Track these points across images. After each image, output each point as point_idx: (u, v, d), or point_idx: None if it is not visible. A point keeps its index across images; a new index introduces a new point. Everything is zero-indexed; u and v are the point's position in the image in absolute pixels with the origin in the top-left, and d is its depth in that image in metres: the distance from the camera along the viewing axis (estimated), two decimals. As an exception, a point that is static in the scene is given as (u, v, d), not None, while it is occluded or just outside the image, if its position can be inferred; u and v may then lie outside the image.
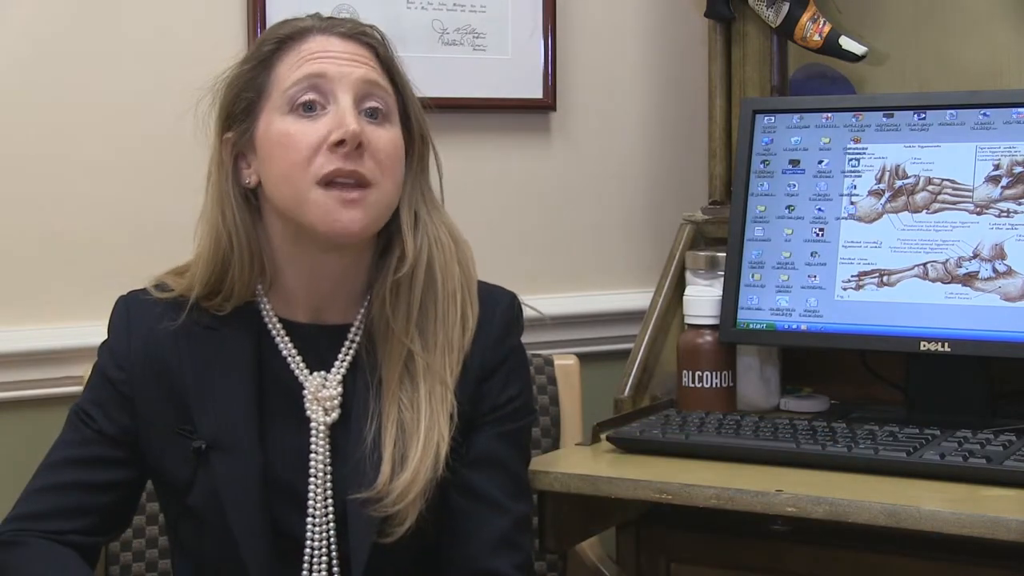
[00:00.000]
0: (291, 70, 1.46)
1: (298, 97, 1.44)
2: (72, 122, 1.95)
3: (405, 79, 1.52)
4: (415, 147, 1.52)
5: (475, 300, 1.52)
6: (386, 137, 1.46)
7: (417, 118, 1.53)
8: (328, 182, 1.42)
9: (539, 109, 2.32)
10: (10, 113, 1.92)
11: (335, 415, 1.49)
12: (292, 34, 1.48)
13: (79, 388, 1.54)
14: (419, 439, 1.44)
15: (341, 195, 1.42)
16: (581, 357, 2.14)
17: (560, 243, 2.37)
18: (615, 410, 1.96)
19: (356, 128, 1.42)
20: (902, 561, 1.75)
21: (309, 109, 1.44)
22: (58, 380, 1.91)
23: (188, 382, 1.48)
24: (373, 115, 1.46)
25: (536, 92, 2.30)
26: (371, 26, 1.53)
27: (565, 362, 2.10)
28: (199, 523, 1.48)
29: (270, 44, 1.48)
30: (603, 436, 1.79)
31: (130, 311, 1.52)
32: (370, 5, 2.14)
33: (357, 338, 1.51)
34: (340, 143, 1.42)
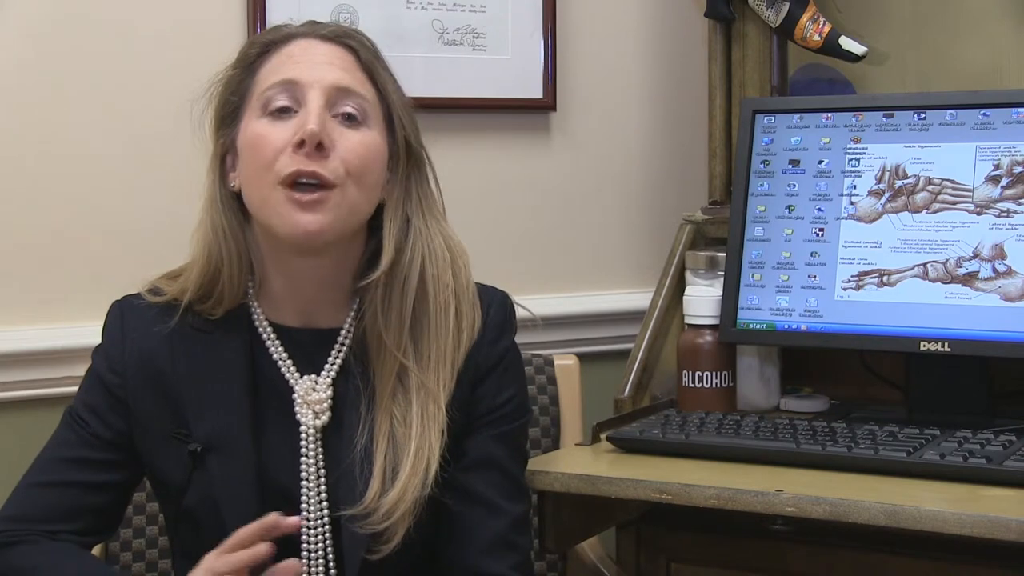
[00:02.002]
0: (270, 74, 1.47)
1: (272, 101, 1.45)
2: (71, 122, 1.95)
3: (389, 83, 1.51)
4: (400, 152, 1.51)
5: (471, 310, 1.52)
6: (356, 139, 1.45)
7: (403, 123, 1.51)
8: (290, 183, 1.42)
9: (539, 109, 2.32)
10: (9, 114, 1.92)
11: (325, 418, 1.49)
12: (277, 39, 1.49)
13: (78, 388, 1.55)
14: (409, 456, 1.44)
15: (298, 196, 1.42)
16: (581, 357, 2.14)
17: (560, 243, 2.37)
18: (615, 410, 1.96)
19: (315, 128, 1.41)
20: (902, 561, 1.75)
21: (283, 112, 1.45)
22: (58, 380, 1.91)
23: (182, 386, 1.48)
24: (348, 119, 1.46)
25: (536, 92, 2.30)
26: (356, 31, 1.53)
27: (565, 362, 2.10)
28: (197, 525, 1.48)
29: (256, 48, 1.50)
30: (603, 436, 1.79)
31: (124, 315, 1.52)
32: (370, 5, 2.14)
33: (347, 342, 1.51)
34: (301, 144, 1.42)
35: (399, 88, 1.53)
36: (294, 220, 1.42)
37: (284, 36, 1.50)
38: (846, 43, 2.08)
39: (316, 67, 1.46)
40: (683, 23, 2.43)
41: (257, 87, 1.47)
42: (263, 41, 1.50)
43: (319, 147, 1.42)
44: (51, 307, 1.95)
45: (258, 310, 1.52)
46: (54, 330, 1.94)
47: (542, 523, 1.73)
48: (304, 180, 1.42)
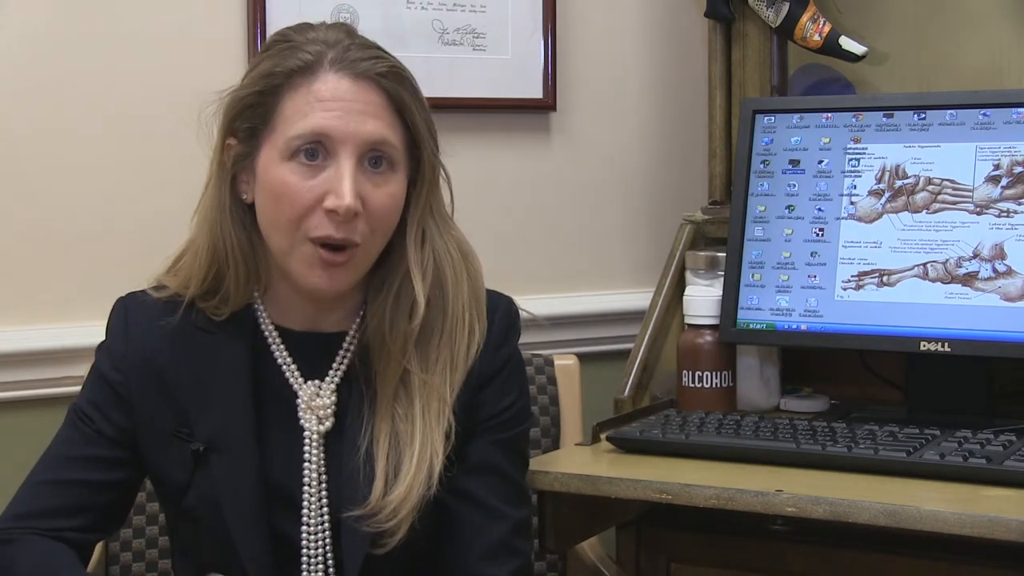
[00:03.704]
0: (297, 115, 1.42)
1: (300, 149, 1.41)
2: (71, 122, 1.95)
3: (418, 115, 1.47)
4: (424, 176, 1.49)
5: (483, 316, 1.51)
6: (384, 194, 1.44)
7: (428, 150, 1.48)
8: (316, 240, 1.42)
9: (539, 109, 2.32)
10: (9, 113, 1.92)
11: (328, 424, 1.49)
12: (301, 68, 1.43)
13: (79, 388, 1.55)
14: (413, 454, 1.44)
15: (326, 256, 1.42)
16: (581, 357, 2.14)
17: (560, 243, 2.37)
18: (615, 410, 1.96)
19: (351, 203, 1.39)
20: (902, 561, 1.75)
21: (311, 156, 1.41)
22: (58, 380, 1.91)
23: (185, 385, 1.48)
24: (377, 164, 1.43)
25: (536, 92, 2.30)
26: (386, 65, 1.45)
27: (565, 362, 2.10)
28: (197, 525, 1.48)
29: (279, 78, 1.43)
30: (603, 436, 1.79)
31: (128, 313, 1.52)
32: (370, 5, 2.14)
33: (352, 347, 1.51)
34: (334, 211, 1.40)
35: (425, 110, 1.48)
36: (316, 278, 1.43)
37: (309, 65, 1.43)
38: (846, 43, 2.08)
39: (349, 119, 1.41)
40: (683, 23, 2.43)
41: (282, 123, 1.42)
42: (285, 70, 1.43)
43: (352, 216, 1.41)
44: (51, 307, 1.95)
45: (264, 313, 1.51)
46: (54, 330, 1.94)
47: (542, 523, 1.73)
48: (333, 243, 1.42)
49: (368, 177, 1.43)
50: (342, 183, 1.40)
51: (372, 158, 1.43)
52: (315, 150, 1.41)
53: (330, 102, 1.42)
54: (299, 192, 1.41)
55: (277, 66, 1.44)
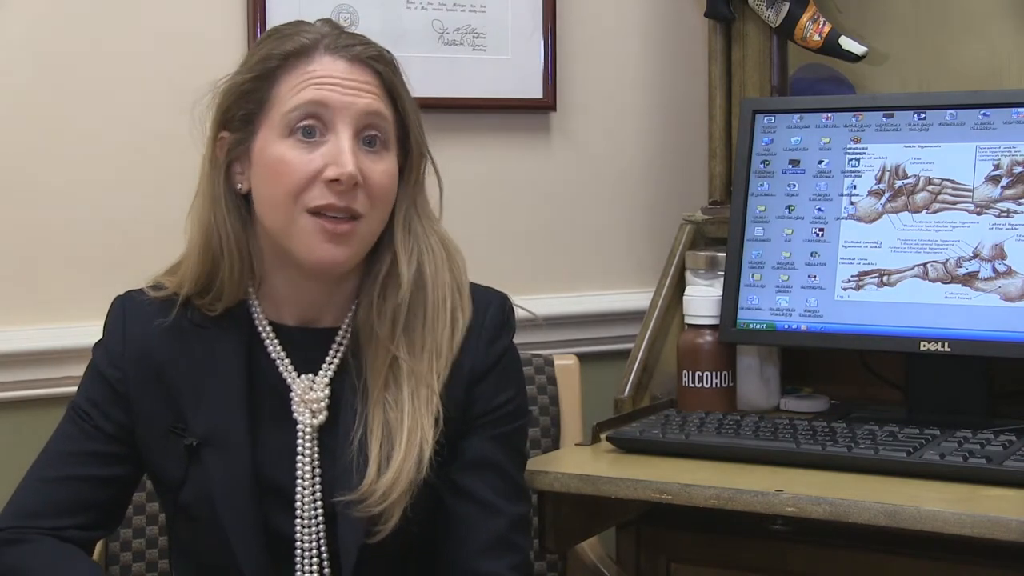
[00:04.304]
0: (293, 92, 1.44)
1: (298, 122, 1.44)
2: (71, 122, 1.95)
3: (407, 100, 1.51)
4: (412, 164, 1.52)
5: (466, 305, 1.52)
6: (381, 169, 1.46)
7: (416, 137, 1.51)
8: (317, 212, 1.43)
9: (539, 109, 2.32)
10: (9, 113, 1.92)
11: (322, 417, 1.50)
12: (297, 50, 1.46)
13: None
14: (402, 439, 1.45)
15: (329, 227, 1.43)
16: (581, 357, 2.14)
17: (560, 243, 2.37)
18: (615, 410, 1.96)
19: (353, 171, 1.42)
20: (902, 561, 1.75)
21: (308, 134, 1.43)
22: (58, 380, 1.91)
23: (180, 380, 1.49)
24: (371, 143, 1.46)
25: (536, 92, 2.30)
26: (377, 50, 1.50)
27: (565, 362, 2.10)
28: (193, 521, 1.49)
29: (275, 60, 1.46)
30: (603, 436, 1.79)
31: (126, 310, 1.53)
32: (370, 5, 2.14)
33: (344, 341, 1.52)
34: (335, 180, 1.42)
35: (413, 100, 1.52)
36: (321, 250, 1.43)
37: (304, 48, 1.46)
38: (846, 43, 2.08)
39: (345, 92, 1.44)
40: (683, 23, 2.43)
41: (278, 102, 1.45)
42: (282, 52, 1.46)
43: (353, 185, 1.43)
44: (51, 307, 1.95)
45: (258, 308, 1.52)
46: (54, 330, 1.94)
47: (542, 523, 1.73)
48: (333, 213, 1.43)
49: (364, 154, 1.45)
50: (342, 153, 1.42)
51: (367, 137, 1.46)
52: (312, 128, 1.44)
53: (325, 78, 1.45)
54: (298, 166, 1.43)
55: (274, 49, 1.47)
